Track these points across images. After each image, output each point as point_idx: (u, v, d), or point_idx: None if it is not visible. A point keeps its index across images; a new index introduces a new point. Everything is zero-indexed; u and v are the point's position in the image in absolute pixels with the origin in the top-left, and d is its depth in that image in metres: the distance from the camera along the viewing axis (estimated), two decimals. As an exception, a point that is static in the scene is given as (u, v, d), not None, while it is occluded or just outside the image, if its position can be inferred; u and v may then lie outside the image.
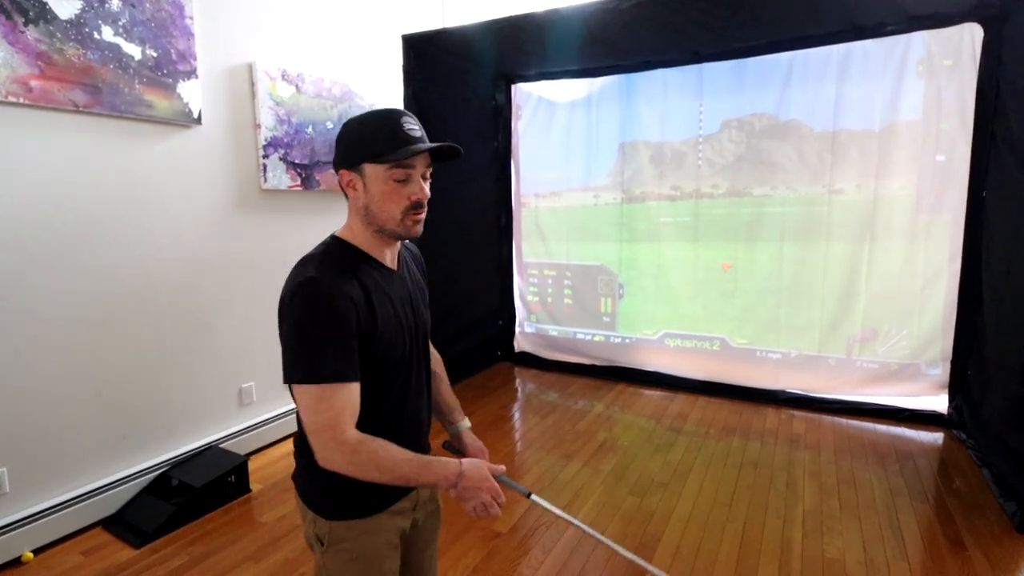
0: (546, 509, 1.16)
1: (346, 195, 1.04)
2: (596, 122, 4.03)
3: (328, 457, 0.93)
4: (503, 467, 1.09)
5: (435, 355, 1.30)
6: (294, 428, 1.12)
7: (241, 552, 2.16)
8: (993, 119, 2.85)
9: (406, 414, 1.08)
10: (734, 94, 3.55)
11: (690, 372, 3.89)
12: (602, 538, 1.22)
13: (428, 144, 1.01)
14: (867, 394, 3.41)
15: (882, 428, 3.22)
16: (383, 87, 3.68)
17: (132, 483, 2.45)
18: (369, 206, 1.00)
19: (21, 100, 2.01)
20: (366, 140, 0.98)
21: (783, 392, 3.58)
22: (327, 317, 0.91)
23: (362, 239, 1.04)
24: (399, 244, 1.11)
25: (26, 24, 2.00)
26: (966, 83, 2.94)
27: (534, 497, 1.15)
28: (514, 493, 1.16)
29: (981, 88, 2.89)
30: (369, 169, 0.98)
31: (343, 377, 0.92)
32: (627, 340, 4.14)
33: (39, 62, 2.04)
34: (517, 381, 4.20)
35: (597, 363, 4.23)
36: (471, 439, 1.28)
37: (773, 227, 3.54)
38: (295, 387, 0.94)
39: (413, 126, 1.00)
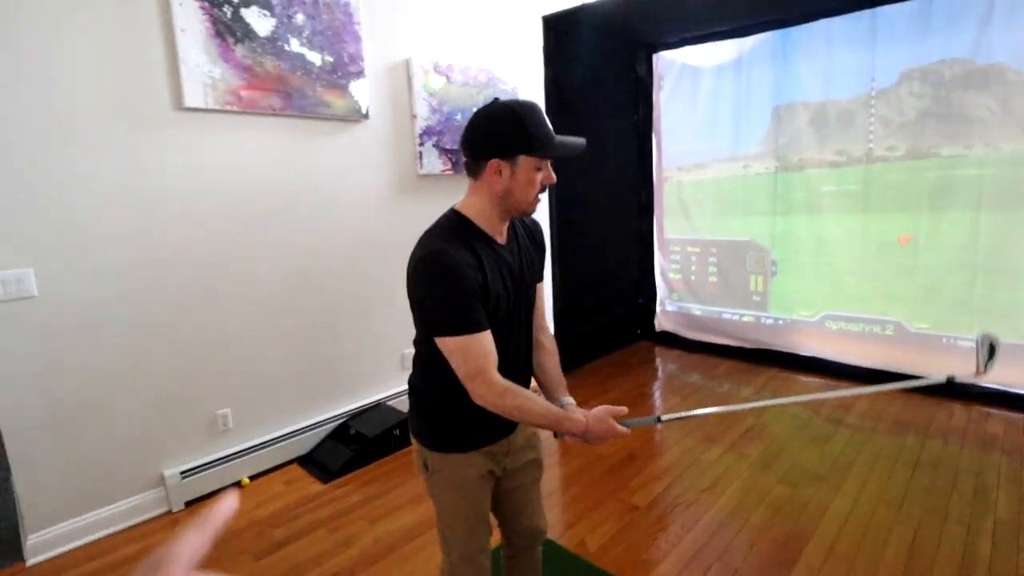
0: (681, 417, 1.28)
1: (473, 176, 1.17)
2: (746, 86, 3.74)
3: (481, 396, 1.10)
4: (625, 408, 1.19)
5: (547, 330, 1.41)
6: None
7: (406, 494, 2.46)
8: None
9: (508, 357, 1.21)
10: (916, 39, 3.07)
11: (856, 359, 3.51)
12: (746, 405, 1.30)
13: (578, 147, 1.18)
14: (1095, 393, 2.82)
15: (1116, 435, 2.65)
16: (524, 70, 3.78)
17: (320, 429, 2.90)
18: (512, 191, 1.14)
19: (235, 108, 2.43)
20: (525, 134, 1.11)
21: (976, 386, 3.09)
22: (457, 280, 1.07)
23: (482, 216, 1.17)
24: (510, 220, 1.24)
25: (235, 43, 2.40)
26: None
27: (664, 418, 1.26)
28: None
29: None
30: (523, 160, 1.12)
31: (480, 326, 1.10)
32: (780, 321, 3.85)
33: (246, 75, 2.45)
34: (657, 360, 4.14)
35: (746, 345, 4.00)
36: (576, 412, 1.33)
37: (967, 193, 3.03)
38: (443, 339, 1.10)
39: (548, 119, 1.16)
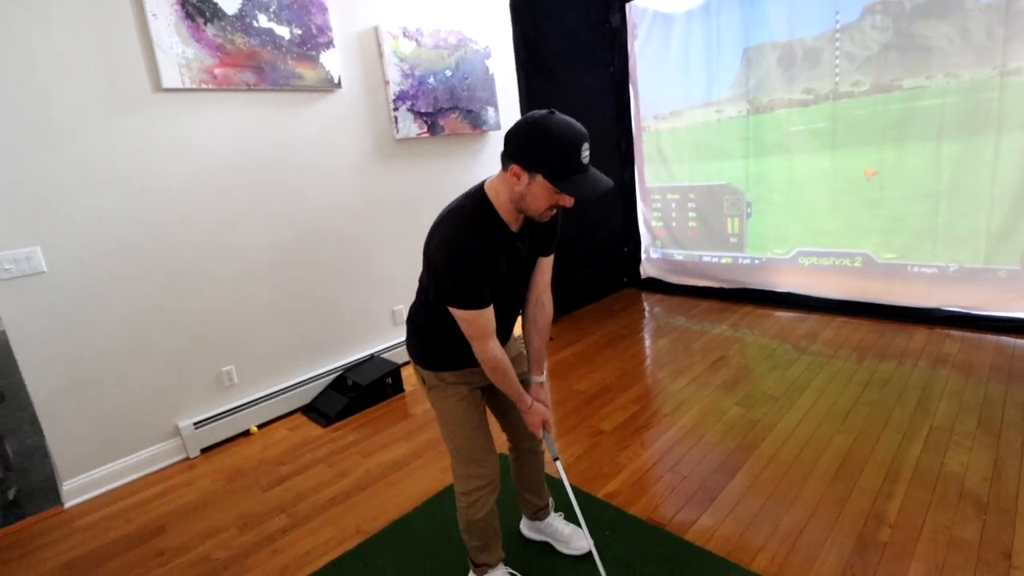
0: (561, 477, 1.55)
1: (503, 166, 1.26)
2: (716, 30, 3.77)
3: (479, 355, 1.36)
4: (552, 424, 1.56)
5: (544, 306, 1.56)
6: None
7: (397, 433, 2.72)
8: None
9: (501, 320, 1.40)
10: (878, -28, 3.08)
11: (827, 291, 3.66)
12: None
13: (594, 194, 1.20)
14: (1051, 310, 2.94)
15: (1066, 348, 2.79)
16: (496, 28, 3.85)
17: (319, 381, 3.16)
18: (524, 197, 1.24)
19: (210, 86, 2.59)
20: (550, 158, 1.18)
21: (937, 310, 3.23)
22: (471, 267, 1.24)
23: (503, 207, 1.29)
24: None
25: (205, 24, 2.54)
26: None
27: (557, 462, 1.55)
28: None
29: None
30: (540, 179, 1.20)
31: (485, 304, 1.30)
32: (756, 261, 3.98)
33: (218, 53, 2.60)
34: (641, 305, 4.31)
35: (725, 286, 4.15)
36: (537, 392, 1.55)
37: (928, 123, 3.09)
38: (454, 309, 1.30)
39: (587, 154, 1.20)
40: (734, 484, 2.05)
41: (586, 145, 1.18)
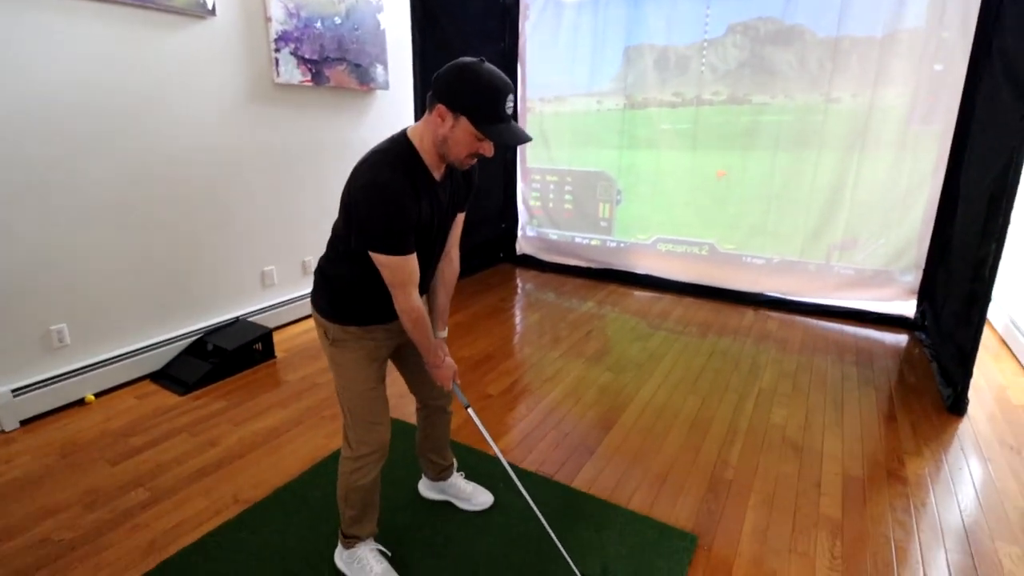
0: (476, 421, 1.59)
1: (427, 109, 1.23)
2: (603, 24, 4.01)
3: (400, 305, 1.33)
4: (458, 378, 1.59)
5: (452, 261, 1.57)
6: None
7: (270, 400, 2.55)
8: (993, 28, 2.86)
9: (421, 274, 1.38)
10: (742, -4, 3.52)
11: (678, 275, 4.14)
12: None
13: (515, 141, 1.22)
14: (841, 298, 3.66)
15: (850, 329, 3.49)
16: (390, -18, 3.68)
17: (173, 345, 2.82)
18: (447, 140, 1.23)
19: (49, -15, 2.14)
20: (476, 101, 1.18)
21: (763, 295, 3.84)
22: (398, 210, 1.21)
23: (427, 152, 1.27)
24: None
25: (47, -93, 2.09)
26: (973, -12, 2.92)
27: (470, 409, 1.59)
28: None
29: (987, -6, 2.88)
30: (464, 122, 1.19)
31: (410, 250, 1.27)
32: (622, 244, 4.36)
33: (62, -53, 2.15)
34: (516, 280, 4.49)
35: (593, 266, 4.49)
36: (441, 346, 1.56)
37: (768, 135, 3.63)
38: (377, 255, 1.26)
39: (511, 105, 1.22)
40: (609, 439, 2.28)
41: (511, 96, 1.21)
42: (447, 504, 1.86)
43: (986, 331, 3.40)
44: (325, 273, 1.44)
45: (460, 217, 1.52)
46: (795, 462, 2.14)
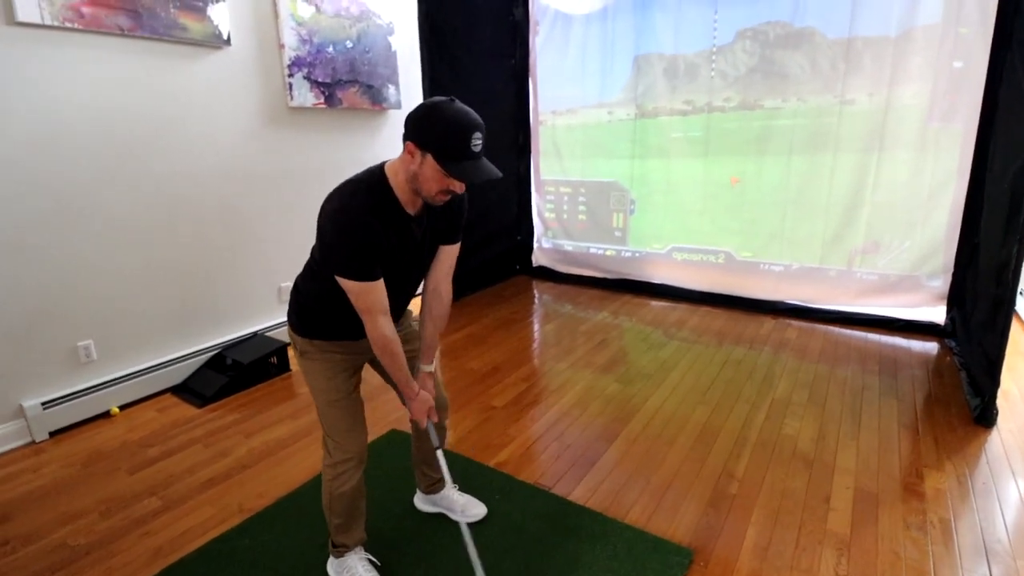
0: (443, 461, 1.58)
1: (403, 145, 1.27)
2: (611, 35, 4.03)
3: (369, 332, 1.34)
4: (435, 415, 1.58)
5: (442, 296, 1.55)
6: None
7: (282, 412, 2.62)
8: (1014, 20, 2.75)
9: (395, 302, 1.41)
10: (749, 1, 3.48)
11: (694, 284, 4.07)
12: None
13: (480, 179, 1.22)
14: (865, 305, 3.52)
15: (873, 337, 3.36)
16: (400, 6, 3.79)
17: (193, 360, 2.94)
18: (417, 176, 1.26)
19: (76, 25, 2.30)
20: (441, 140, 1.20)
21: (782, 303, 3.74)
22: (363, 240, 1.25)
23: (400, 187, 1.30)
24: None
25: (72, -47, 2.25)
26: (991, -19, 2.82)
27: (439, 451, 1.58)
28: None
29: (1006, -14, 2.77)
30: (430, 159, 1.22)
31: (374, 278, 1.30)
32: (637, 254, 4.32)
33: (86, -11, 2.31)
34: (532, 292, 4.50)
35: (609, 276, 4.46)
36: (424, 381, 1.57)
37: (782, 140, 3.56)
38: (343, 280, 1.28)
39: (479, 142, 1.23)
40: (612, 450, 2.25)
41: (478, 134, 1.22)
42: (441, 515, 1.88)
43: (1022, 337, 3.22)
44: (298, 288, 1.50)
45: (450, 250, 1.52)
46: (804, 475, 2.07)
